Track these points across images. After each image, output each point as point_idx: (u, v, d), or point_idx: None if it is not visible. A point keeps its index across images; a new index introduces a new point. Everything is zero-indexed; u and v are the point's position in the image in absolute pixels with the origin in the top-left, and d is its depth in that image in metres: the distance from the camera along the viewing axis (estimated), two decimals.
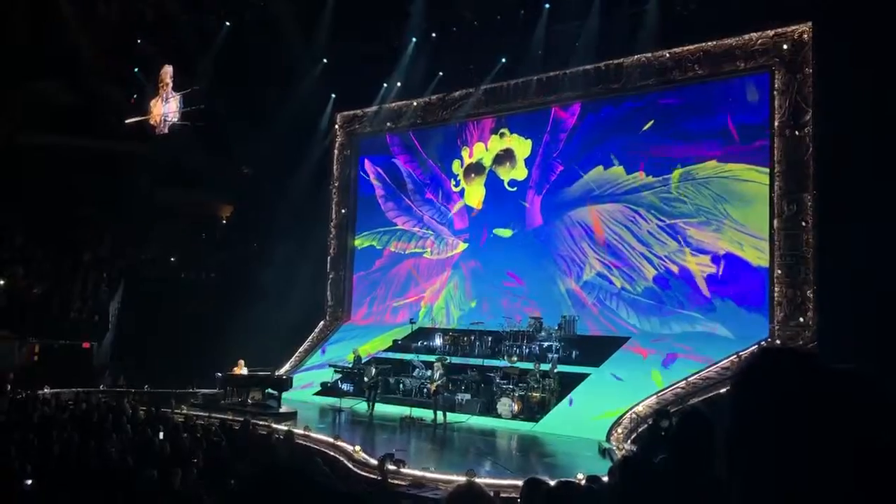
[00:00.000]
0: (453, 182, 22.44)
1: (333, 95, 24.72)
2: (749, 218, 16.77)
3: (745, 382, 1.36)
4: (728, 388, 1.40)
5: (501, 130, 21.43)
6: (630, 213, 18.25)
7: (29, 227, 25.15)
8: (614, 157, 18.66)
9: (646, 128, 18.43)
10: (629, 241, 18.19)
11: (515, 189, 20.88)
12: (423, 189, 23.19)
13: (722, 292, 17.07)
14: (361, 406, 18.22)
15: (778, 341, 16.40)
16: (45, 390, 18.72)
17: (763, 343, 16.43)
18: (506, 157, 21.31)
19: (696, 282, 17.31)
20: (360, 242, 24.71)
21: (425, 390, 17.97)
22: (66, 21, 23.05)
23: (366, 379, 18.16)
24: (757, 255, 16.62)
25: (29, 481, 7.36)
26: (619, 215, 18.44)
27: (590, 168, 19.17)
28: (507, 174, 21.25)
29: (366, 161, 24.74)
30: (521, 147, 20.81)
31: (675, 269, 17.55)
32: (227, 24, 22.62)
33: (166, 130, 23.62)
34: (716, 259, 17.03)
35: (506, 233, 20.75)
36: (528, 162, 20.66)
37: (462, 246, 21.92)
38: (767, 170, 16.66)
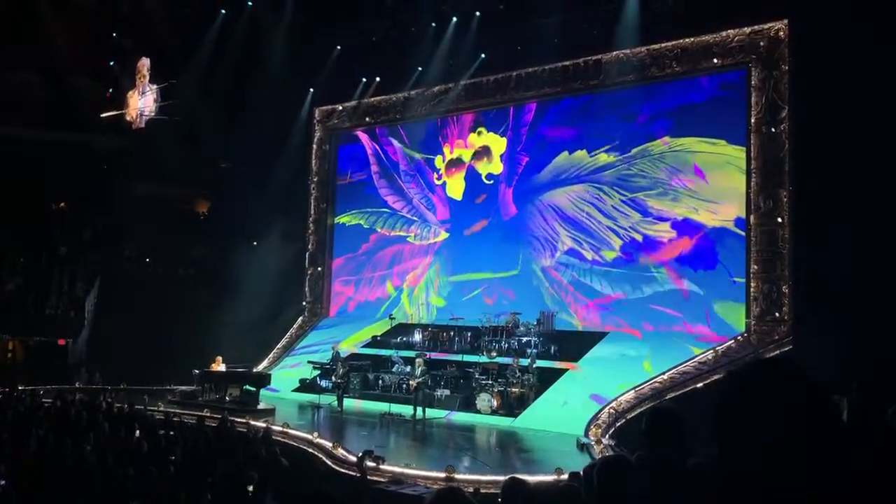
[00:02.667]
0: (436, 175, 22.83)
1: (311, 90, 24.62)
2: (700, 184, 17.77)
3: (735, 392, 1.45)
4: (721, 388, 1.47)
5: (479, 129, 22.06)
6: (595, 191, 19.34)
7: (3, 222, 24.82)
8: (577, 142, 19.89)
9: (604, 113, 19.66)
10: (596, 217, 19.27)
11: (492, 182, 21.60)
12: (409, 177, 23.57)
13: (682, 257, 18.00)
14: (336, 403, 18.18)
15: (754, 336, 16.59)
16: (20, 388, 18.52)
17: (740, 337, 16.66)
18: (483, 153, 21.93)
19: (659, 247, 18.32)
20: (347, 220, 24.87)
21: (405, 387, 17.98)
22: (41, 13, 22.77)
23: (333, 378, 18.15)
24: (710, 216, 17.59)
25: (3, 482, 7.27)
26: (586, 194, 19.51)
27: (555, 155, 20.20)
28: (484, 168, 21.87)
29: (364, 136, 24.69)
30: (497, 144, 21.58)
31: (639, 237, 18.56)
32: (202, 17, 22.45)
33: (143, 125, 23.41)
34: (675, 225, 18.03)
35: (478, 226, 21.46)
36: (503, 157, 21.46)
37: (443, 235, 22.40)
38: (715, 140, 17.66)
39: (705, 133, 17.82)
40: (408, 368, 18.20)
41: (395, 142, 23.99)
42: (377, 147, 24.35)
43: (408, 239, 23.26)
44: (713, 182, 17.67)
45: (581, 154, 19.70)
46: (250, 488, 7.73)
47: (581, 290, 19.44)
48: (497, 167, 21.52)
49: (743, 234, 17.12)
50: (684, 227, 17.93)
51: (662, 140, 18.37)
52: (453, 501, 2.49)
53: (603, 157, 19.26)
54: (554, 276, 19.95)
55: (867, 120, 13.78)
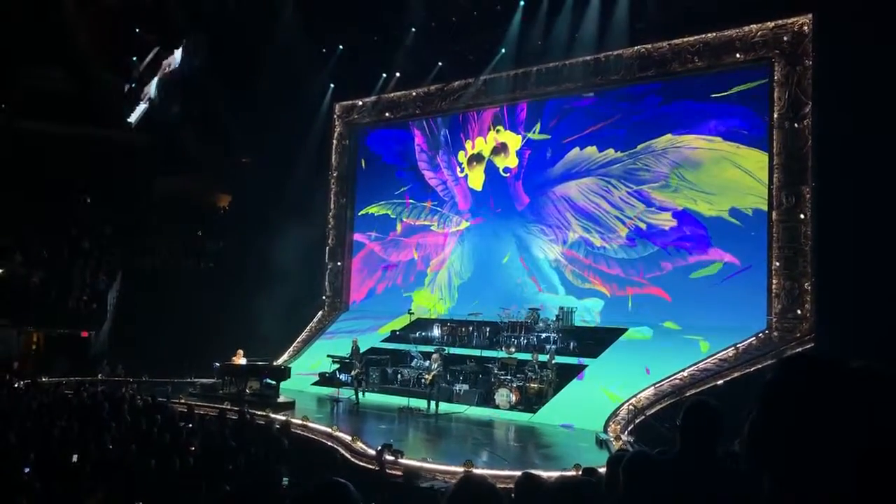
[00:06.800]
0: (459, 168, 23.33)
1: (332, 85, 24.69)
2: (699, 178, 18.59)
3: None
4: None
5: (498, 127, 22.60)
6: (604, 184, 20.21)
7: (27, 216, 25.11)
8: (588, 138, 20.63)
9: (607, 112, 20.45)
10: (604, 207, 20.16)
11: (508, 175, 22.26)
12: (437, 167, 24.01)
13: (678, 243, 18.77)
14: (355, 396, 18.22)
15: (776, 333, 16.45)
16: (43, 379, 18.76)
17: (762, 334, 16.53)
18: (501, 148, 22.47)
19: (661, 233, 19.18)
20: (376, 210, 25.23)
21: (423, 381, 18.02)
22: (65, 8, 22.99)
23: (353, 372, 18.18)
24: (707, 207, 18.40)
25: (27, 469, 7.37)
26: (595, 187, 20.37)
27: (568, 150, 20.99)
28: (501, 162, 22.42)
29: (413, 125, 24.82)
30: (513, 140, 22.26)
31: (643, 226, 19.39)
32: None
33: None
34: (675, 214, 18.87)
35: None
36: (519, 152, 22.10)
37: (465, 224, 23.00)
38: (712, 137, 18.37)
39: (703, 131, 18.56)
40: (426, 363, 18.24)
41: (420, 134, 24.25)
42: (426, 127, 24.50)
43: (431, 227, 23.74)
44: (710, 175, 18.42)
45: (591, 150, 20.51)
46: (285, 481, 7.77)
47: (598, 261, 20.04)
48: (513, 161, 22.11)
49: (737, 222, 17.80)
50: (684, 216, 18.69)
51: (666, 136, 19.14)
52: (476, 487, 2.50)
53: (611, 153, 20.10)
54: (569, 254, 20.58)
55: (891, 115, 13.61)
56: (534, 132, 21.49)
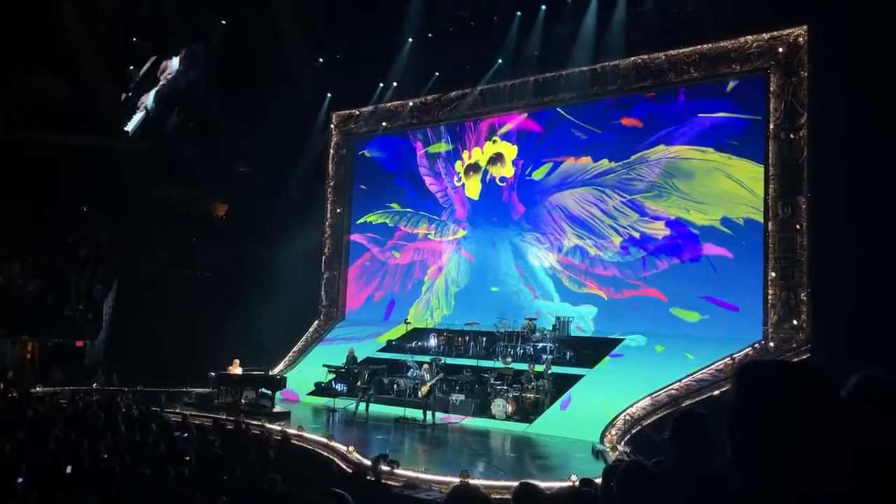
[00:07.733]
0: (456, 178, 23.41)
1: (329, 95, 24.71)
2: (692, 188, 18.83)
3: (739, 396, 1.43)
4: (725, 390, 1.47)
5: (494, 138, 22.77)
6: (598, 193, 20.43)
7: (24, 224, 25.05)
8: (583, 149, 20.91)
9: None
10: (598, 217, 20.38)
11: (504, 184, 22.42)
12: (435, 175, 24.15)
13: (671, 250, 19.02)
14: (352, 406, 18.12)
15: (772, 343, 16.45)
16: (38, 388, 18.69)
17: (758, 345, 16.54)
18: (497, 158, 22.65)
19: (654, 242, 19.40)
20: (374, 218, 25.24)
21: (419, 392, 17.98)
22: (64, 17, 23.01)
23: (359, 383, 18.06)
24: (700, 216, 18.62)
25: (20, 479, 7.34)
26: (590, 196, 20.60)
27: (563, 160, 21.25)
28: (498, 172, 22.58)
29: (411, 134, 24.96)
30: (509, 150, 22.47)
31: (636, 235, 19.58)
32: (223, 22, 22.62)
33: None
34: (668, 223, 19.11)
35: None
36: (514, 162, 22.32)
37: (461, 232, 23.12)
38: (705, 148, 18.59)
39: (696, 142, 18.76)
40: (421, 373, 18.19)
41: (420, 143, 24.36)
42: (430, 133, 24.59)
43: (429, 236, 23.81)
44: (702, 185, 18.61)
45: (586, 160, 20.71)
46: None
47: (595, 265, 20.17)
48: (509, 171, 22.25)
49: (729, 232, 17.96)
50: (676, 225, 18.89)
51: (659, 147, 19.32)
52: (468, 497, 2.49)
53: (605, 163, 20.30)
54: (565, 260, 20.71)
55: (887, 126, 13.66)
56: (535, 172, 21.60)
